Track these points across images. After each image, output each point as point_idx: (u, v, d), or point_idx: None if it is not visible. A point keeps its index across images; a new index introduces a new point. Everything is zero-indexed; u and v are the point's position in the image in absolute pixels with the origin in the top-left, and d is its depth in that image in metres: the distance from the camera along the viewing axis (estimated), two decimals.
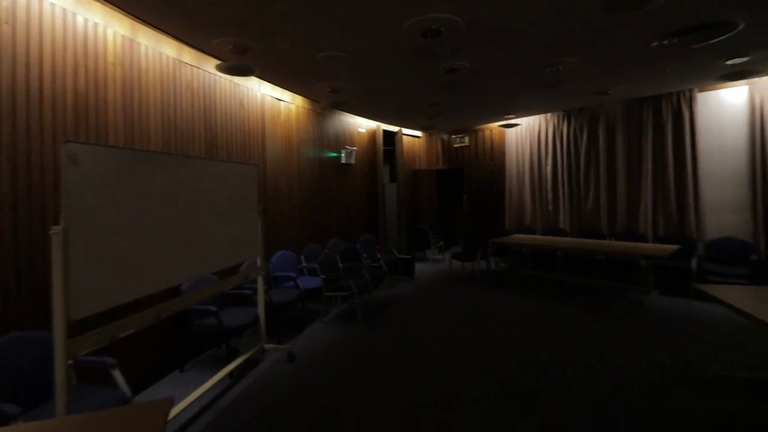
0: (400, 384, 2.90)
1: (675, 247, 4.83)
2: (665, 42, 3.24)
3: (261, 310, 3.22)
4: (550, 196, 6.62)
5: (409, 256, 6.51)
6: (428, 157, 8.53)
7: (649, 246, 5.15)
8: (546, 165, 6.66)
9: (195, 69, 3.59)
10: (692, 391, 2.72)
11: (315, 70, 3.88)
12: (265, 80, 4.40)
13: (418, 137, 8.19)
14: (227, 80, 3.99)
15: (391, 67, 3.81)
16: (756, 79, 4.70)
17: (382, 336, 3.85)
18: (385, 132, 7.14)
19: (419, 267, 6.98)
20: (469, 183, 7.94)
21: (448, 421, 2.44)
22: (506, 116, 6.41)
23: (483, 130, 7.65)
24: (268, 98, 4.60)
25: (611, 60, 3.75)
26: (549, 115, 6.55)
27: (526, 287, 5.62)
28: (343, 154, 6.05)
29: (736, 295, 2.71)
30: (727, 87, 4.99)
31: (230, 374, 2.85)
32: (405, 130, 7.62)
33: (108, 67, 2.83)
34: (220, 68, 3.36)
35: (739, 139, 4.95)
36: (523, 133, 6.95)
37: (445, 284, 5.94)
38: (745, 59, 3.66)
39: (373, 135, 6.92)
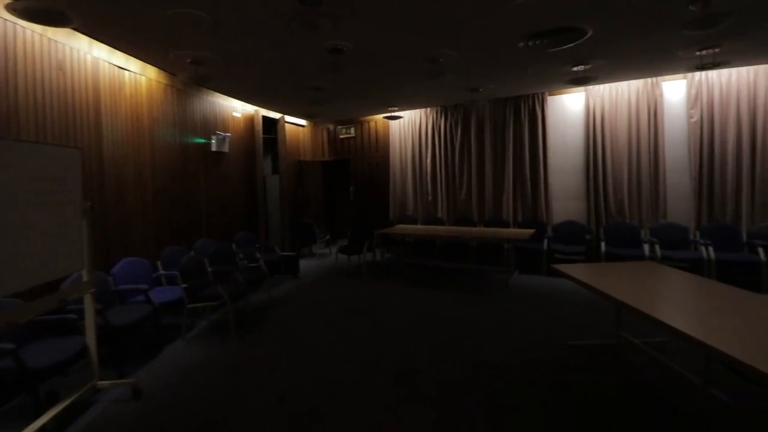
0: (286, 386, 2.67)
1: (531, 231, 5.45)
2: (530, 43, 3.51)
3: (91, 337, 2.46)
4: (429, 186, 6.91)
5: (294, 253, 6.09)
6: (314, 148, 8.13)
7: (511, 231, 5.77)
8: (426, 157, 6.91)
9: None
10: (559, 360, 3.01)
11: (166, 31, 3.15)
12: (97, 40, 3.45)
13: (302, 126, 7.71)
14: (37, 33, 2.98)
15: (265, 37, 3.32)
16: (590, 87, 5.58)
17: (263, 342, 3.44)
18: (266, 118, 6.50)
19: (304, 264, 6.60)
20: (356, 175, 7.82)
21: (335, 414, 2.33)
22: (390, 108, 6.42)
23: (368, 122, 7.58)
24: (104, 65, 3.64)
25: (484, 57, 3.94)
26: (429, 109, 6.79)
27: (409, 276, 5.76)
28: (213, 141, 5.26)
29: (580, 271, 3.11)
30: (569, 92, 5.81)
31: (43, 429, 2.09)
32: (288, 118, 7.07)
33: None
34: (12, 10, 2.43)
35: (578, 137, 5.83)
36: (405, 126, 7.09)
37: (332, 279, 5.71)
38: (587, 66, 4.24)
39: (251, 121, 6.22)
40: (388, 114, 6.50)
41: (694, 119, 5.13)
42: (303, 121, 7.65)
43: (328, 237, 7.73)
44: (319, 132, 8.14)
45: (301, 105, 6.07)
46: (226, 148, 5.44)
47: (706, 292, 2.55)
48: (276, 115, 6.73)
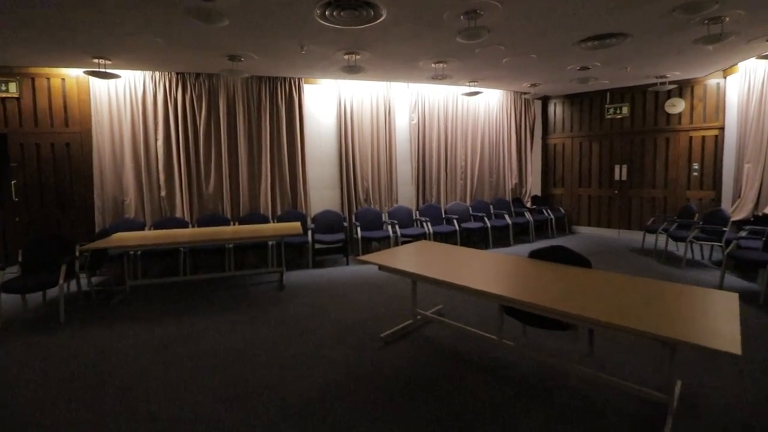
0: None
1: (298, 224, 5.22)
2: (326, 12, 3.18)
3: None
4: (162, 178, 5.30)
5: None
6: None
7: (276, 225, 5.30)
8: (156, 139, 5.23)
9: None
10: (378, 358, 2.95)
11: None
12: None
13: None
14: None
15: None
16: (342, 81, 5.86)
17: None
18: None
19: None
20: (23, 160, 4.89)
21: None
22: (96, 58, 4.31)
23: (49, 77, 4.85)
24: None
25: (266, 14, 3.26)
26: (158, 74, 5.11)
27: (143, 305, 4.15)
28: None
29: (379, 258, 3.18)
30: (323, 83, 5.88)
31: None
32: None
33: None
34: None
35: (331, 128, 6.04)
36: (121, 91, 5.04)
37: None
38: (358, 57, 4.36)
39: None
40: (93, 69, 4.37)
41: (414, 121, 6.41)
42: None
43: None
44: None
45: None
46: None
47: (462, 254, 3.27)
48: None
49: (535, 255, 3.09)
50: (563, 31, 3.80)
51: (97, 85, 4.95)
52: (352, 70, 4.41)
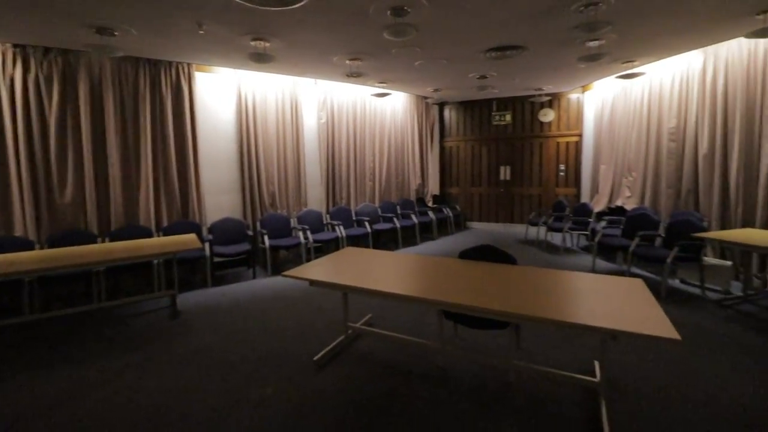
0: None
1: (193, 235, 4.46)
2: None
3: None
4: None
5: None
6: None
7: (164, 240, 4.41)
8: None
9: None
10: (311, 385, 2.69)
11: None
12: None
13: None
14: None
15: None
16: (242, 71, 5.20)
17: None
18: None
19: None
20: None
21: None
22: None
23: None
24: None
25: None
26: None
27: None
28: None
29: (304, 271, 2.88)
30: (218, 72, 5.12)
31: None
32: None
33: None
34: None
35: (230, 125, 5.32)
36: None
37: None
38: (267, 44, 3.86)
39: None
40: None
41: (323, 120, 6.08)
42: None
43: None
44: None
45: None
46: None
47: (391, 260, 3.16)
48: None
49: (464, 255, 3.14)
50: (476, 39, 3.98)
51: None
52: (260, 59, 3.89)
